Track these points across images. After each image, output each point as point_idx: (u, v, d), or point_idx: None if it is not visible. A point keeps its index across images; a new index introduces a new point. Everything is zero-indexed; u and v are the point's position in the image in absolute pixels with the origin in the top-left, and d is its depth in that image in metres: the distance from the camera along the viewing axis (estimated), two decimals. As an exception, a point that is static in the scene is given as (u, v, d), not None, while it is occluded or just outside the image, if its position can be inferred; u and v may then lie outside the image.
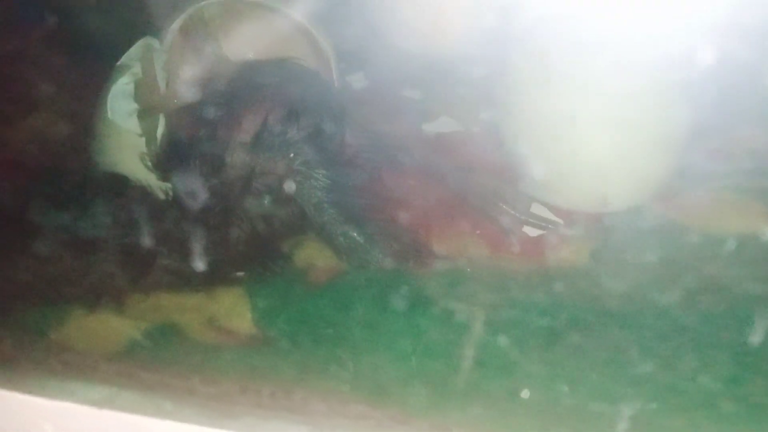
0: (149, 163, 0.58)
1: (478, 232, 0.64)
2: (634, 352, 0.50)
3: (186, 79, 0.67)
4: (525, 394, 0.45)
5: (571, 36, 0.63)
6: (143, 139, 0.60)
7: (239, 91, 0.62)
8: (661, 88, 0.61)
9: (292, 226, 0.59)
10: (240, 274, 0.56)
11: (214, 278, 0.54)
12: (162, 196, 0.55)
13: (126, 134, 0.61)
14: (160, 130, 0.63)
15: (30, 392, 0.46)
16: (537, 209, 0.66)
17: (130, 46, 0.64)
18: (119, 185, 0.55)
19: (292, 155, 0.58)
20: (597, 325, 0.53)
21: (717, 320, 0.50)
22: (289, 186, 0.58)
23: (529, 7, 0.66)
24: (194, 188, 0.56)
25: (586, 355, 0.50)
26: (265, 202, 0.57)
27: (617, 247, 0.61)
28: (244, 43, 0.71)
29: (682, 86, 0.61)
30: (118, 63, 0.64)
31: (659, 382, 0.46)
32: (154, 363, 0.50)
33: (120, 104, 0.62)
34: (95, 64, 0.65)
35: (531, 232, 0.64)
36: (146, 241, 0.53)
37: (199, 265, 0.53)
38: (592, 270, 0.60)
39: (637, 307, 0.54)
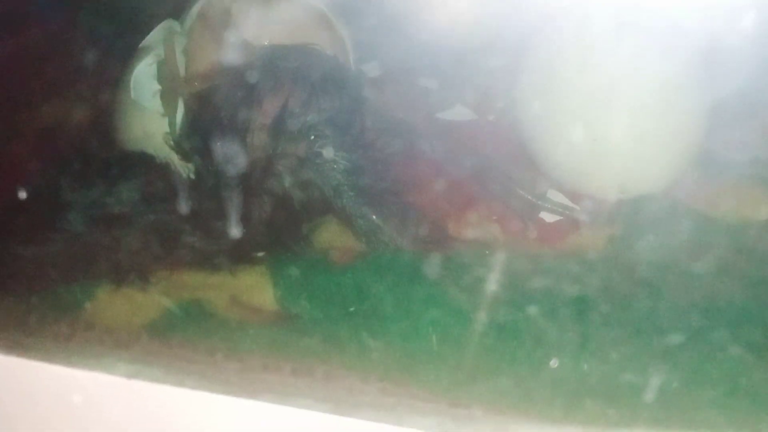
0: (172, 143, 0.58)
1: (494, 216, 0.64)
2: (652, 339, 0.50)
3: (206, 62, 0.67)
4: (553, 362, 0.46)
5: (590, 23, 0.63)
6: (166, 119, 0.61)
7: (259, 75, 0.63)
8: (681, 76, 0.61)
9: (313, 208, 0.59)
10: (261, 254, 0.57)
11: (237, 257, 0.55)
12: (185, 176, 0.56)
13: (149, 114, 0.62)
14: (180, 113, 0.64)
15: (57, 363, 0.47)
16: (553, 195, 0.66)
17: (152, 28, 0.65)
18: (144, 164, 0.55)
19: (312, 138, 0.59)
20: (614, 310, 0.53)
21: (735, 305, 0.51)
22: (310, 168, 0.58)
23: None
24: (216, 169, 0.57)
25: (601, 340, 0.50)
26: (286, 183, 0.58)
27: (634, 233, 0.61)
28: (263, 27, 0.71)
29: (702, 74, 0.61)
30: (141, 45, 0.65)
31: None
32: (178, 339, 0.50)
33: (143, 85, 0.63)
34: (119, 46, 0.66)
35: (548, 217, 0.65)
36: (170, 218, 0.53)
37: (222, 243, 0.54)
38: (608, 255, 0.60)
39: (653, 292, 0.54)
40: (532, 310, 0.52)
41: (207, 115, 0.60)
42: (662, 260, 0.58)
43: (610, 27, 0.61)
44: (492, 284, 0.55)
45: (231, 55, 0.67)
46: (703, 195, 0.64)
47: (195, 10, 0.68)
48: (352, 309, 0.50)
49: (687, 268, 0.56)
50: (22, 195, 0.53)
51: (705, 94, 0.62)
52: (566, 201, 0.66)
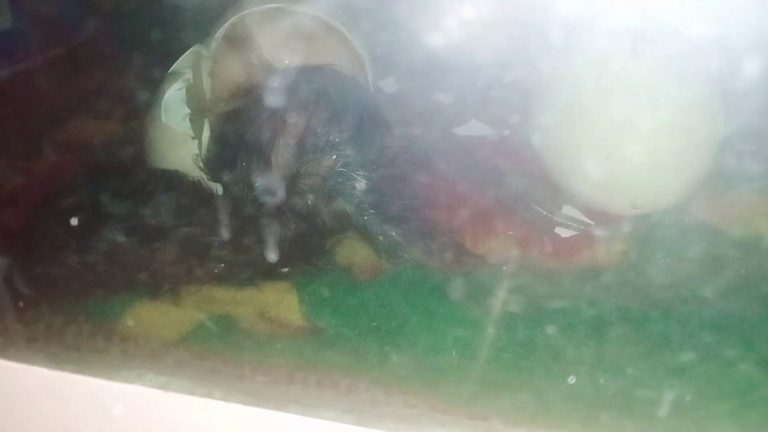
0: (201, 165, 0.61)
1: (510, 232, 0.66)
2: (666, 353, 0.51)
3: (231, 84, 0.70)
4: (571, 379, 0.47)
5: (606, 40, 0.64)
6: (196, 141, 0.63)
7: (282, 96, 0.65)
8: (696, 91, 0.62)
9: (335, 225, 0.61)
10: (285, 270, 0.59)
11: (263, 273, 0.57)
12: (213, 195, 0.59)
13: (180, 137, 0.64)
14: (206, 134, 0.66)
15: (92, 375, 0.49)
16: (569, 210, 0.68)
17: (181, 54, 0.68)
18: (176, 185, 0.58)
19: (334, 157, 0.61)
20: (629, 324, 0.54)
21: (749, 319, 0.52)
22: (332, 186, 0.60)
23: (559, 11, 0.68)
24: (242, 188, 0.59)
25: (617, 354, 0.51)
26: (309, 201, 0.60)
27: (648, 248, 0.63)
28: (285, 49, 0.74)
29: (716, 88, 0.62)
30: (170, 70, 0.68)
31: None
32: (207, 352, 0.52)
33: (174, 109, 0.65)
34: (149, 71, 0.69)
35: (563, 232, 0.66)
36: (201, 236, 0.56)
37: (249, 259, 0.56)
38: (623, 269, 0.61)
39: (668, 306, 0.55)
40: (549, 324, 0.53)
41: (232, 136, 0.62)
42: (676, 275, 0.59)
43: (625, 43, 0.62)
44: (509, 299, 0.57)
45: (254, 76, 0.70)
46: (717, 209, 0.65)
47: (219, 33, 0.70)
48: (375, 323, 0.52)
49: (701, 283, 0.57)
50: (59, 212, 0.56)
51: (719, 109, 0.63)
52: (581, 216, 0.67)
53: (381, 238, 0.60)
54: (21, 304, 0.52)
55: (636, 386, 0.47)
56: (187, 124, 0.65)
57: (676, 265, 0.60)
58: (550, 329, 0.53)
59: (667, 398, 0.46)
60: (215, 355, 0.52)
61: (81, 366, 0.50)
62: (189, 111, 0.66)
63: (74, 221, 0.53)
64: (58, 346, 0.52)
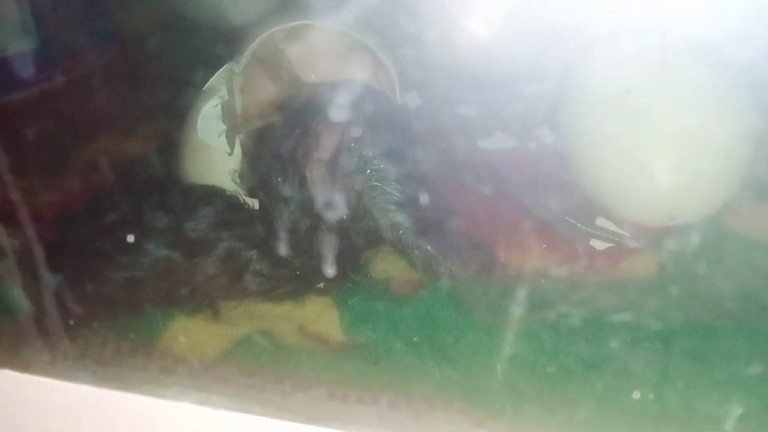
0: (237, 180, 0.61)
1: (544, 245, 0.65)
2: (704, 366, 0.50)
3: (261, 101, 0.70)
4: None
5: (634, 49, 0.64)
6: (232, 157, 0.64)
7: (314, 112, 0.65)
8: (729, 100, 0.62)
9: (370, 239, 0.61)
10: (321, 285, 0.59)
11: (300, 288, 0.57)
12: (250, 210, 0.59)
13: (217, 153, 0.65)
14: (238, 151, 0.67)
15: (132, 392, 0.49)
16: (603, 223, 0.67)
17: (215, 71, 0.69)
18: (212, 199, 0.58)
19: (368, 172, 0.61)
20: (668, 340, 0.53)
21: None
22: (366, 201, 0.60)
23: (585, 24, 0.68)
24: (278, 204, 0.59)
25: (654, 368, 0.51)
26: (344, 216, 0.60)
27: (685, 260, 0.62)
28: (313, 65, 0.74)
29: (751, 99, 0.62)
30: (205, 87, 0.68)
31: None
32: (246, 368, 0.52)
33: (209, 125, 0.66)
34: (184, 88, 0.70)
35: (598, 245, 0.66)
36: (239, 252, 0.56)
37: (287, 274, 0.56)
38: (660, 282, 0.61)
39: (705, 319, 0.55)
40: (589, 337, 0.53)
41: (265, 153, 0.63)
42: (713, 286, 0.58)
43: (654, 52, 0.62)
44: (547, 311, 0.56)
45: (284, 93, 0.70)
46: (754, 221, 0.64)
47: (249, 50, 0.71)
48: (415, 338, 0.52)
49: (737, 295, 0.56)
50: (98, 228, 0.56)
51: (754, 119, 0.63)
52: (615, 228, 0.67)
53: (416, 252, 0.60)
54: (67, 322, 0.53)
55: (677, 400, 0.47)
56: (223, 140, 0.66)
57: (712, 276, 0.59)
58: (591, 342, 0.53)
59: (702, 412, 0.45)
60: (255, 371, 0.52)
61: (123, 383, 0.50)
62: (225, 128, 0.66)
63: (126, 237, 0.53)
64: (100, 363, 0.52)
